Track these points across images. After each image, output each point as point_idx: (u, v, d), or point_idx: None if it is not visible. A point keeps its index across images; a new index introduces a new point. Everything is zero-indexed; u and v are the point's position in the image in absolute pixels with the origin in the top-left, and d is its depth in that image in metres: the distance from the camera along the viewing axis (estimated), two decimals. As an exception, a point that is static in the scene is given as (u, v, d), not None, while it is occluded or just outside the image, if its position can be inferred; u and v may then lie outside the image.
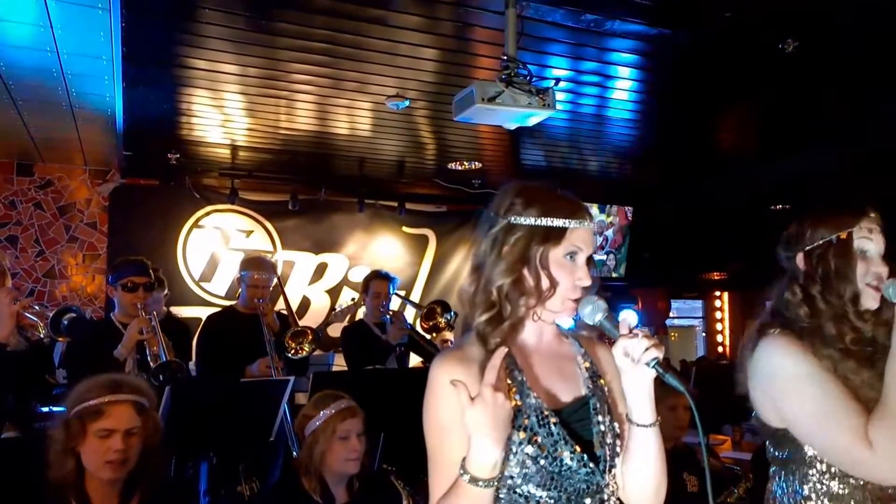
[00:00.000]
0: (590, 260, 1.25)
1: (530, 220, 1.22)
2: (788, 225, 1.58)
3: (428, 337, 4.56)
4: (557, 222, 1.21)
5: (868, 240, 1.48)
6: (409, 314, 5.31)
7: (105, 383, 1.83)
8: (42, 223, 5.21)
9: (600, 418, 1.25)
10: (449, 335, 4.87)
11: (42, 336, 2.86)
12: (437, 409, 1.18)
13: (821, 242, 1.50)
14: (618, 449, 1.25)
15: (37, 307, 2.82)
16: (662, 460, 1.25)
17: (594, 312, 1.20)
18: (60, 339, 3.57)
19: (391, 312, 4.18)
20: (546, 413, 1.20)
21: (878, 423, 1.32)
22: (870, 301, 1.45)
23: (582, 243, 1.23)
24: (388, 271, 4.37)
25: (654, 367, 1.15)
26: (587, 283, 1.22)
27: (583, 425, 1.24)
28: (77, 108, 3.89)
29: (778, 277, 1.58)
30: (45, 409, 3.45)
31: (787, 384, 1.41)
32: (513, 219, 1.23)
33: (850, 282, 1.45)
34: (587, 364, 1.31)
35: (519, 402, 1.19)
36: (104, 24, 2.83)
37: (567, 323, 1.28)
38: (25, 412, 3.01)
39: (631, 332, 1.17)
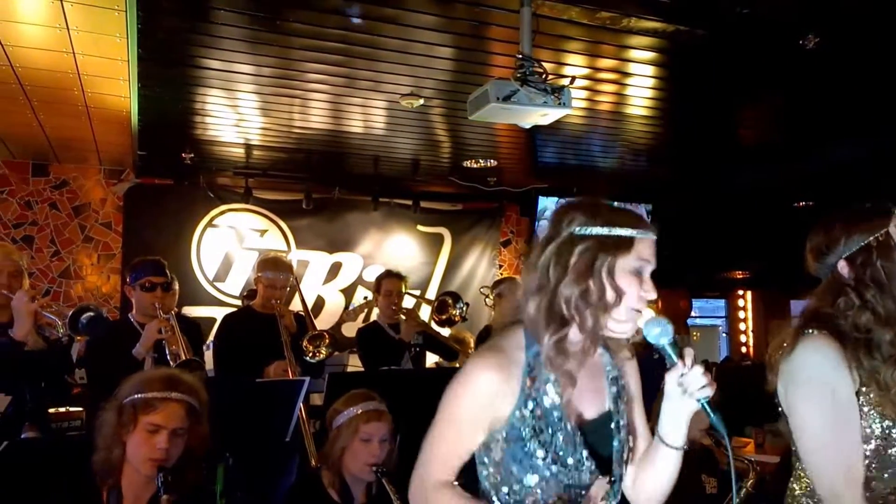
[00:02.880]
0: (653, 273, 1.24)
1: (597, 231, 1.20)
2: (813, 234, 1.56)
3: (444, 332, 4.56)
4: (626, 232, 1.20)
5: None
6: (424, 314, 5.29)
7: (163, 379, 1.84)
8: (57, 223, 5.25)
9: (622, 435, 1.25)
10: (470, 338, 4.85)
11: (61, 335, 2.88)
12: (460, 400, 1.20)
13: (862, 245, 1.48)
14: (630, 461, 1.26)
15: (55, 307, 2.84)
16: (675, 478, 1.27)
17: (662, 335, 1.18)
18: (79, 338, 3.59)
19: (405, 311, 4.16)
20: (571, 430, 1.20)
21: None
22: None
23: (649, 255, 1.22)
24: (400, 271, 4.34)
25: (704, 404, 1.15)
26: (653, 295, 1.21)
27: (603, 441, 1.24)
28: (92, 108, 3.91)
29: (808, 282, 1.55)
30: (63, 410, 3.48)
31: (800, 389, 1.41)
32: (576, 230, 1.21)
33: None
34: (615, 375, 1.31)
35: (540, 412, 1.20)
36: (120, 25, 2.84)
37: (627, 334, 1.25)
38: (44, 412, 3.03)
39: (692, 365, 1.16)
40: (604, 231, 1.19)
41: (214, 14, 2.84)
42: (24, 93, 3.65)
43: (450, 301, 4.57)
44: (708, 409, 1.15)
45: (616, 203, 1.27)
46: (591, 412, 1.25)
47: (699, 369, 1.15)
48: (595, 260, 1.18)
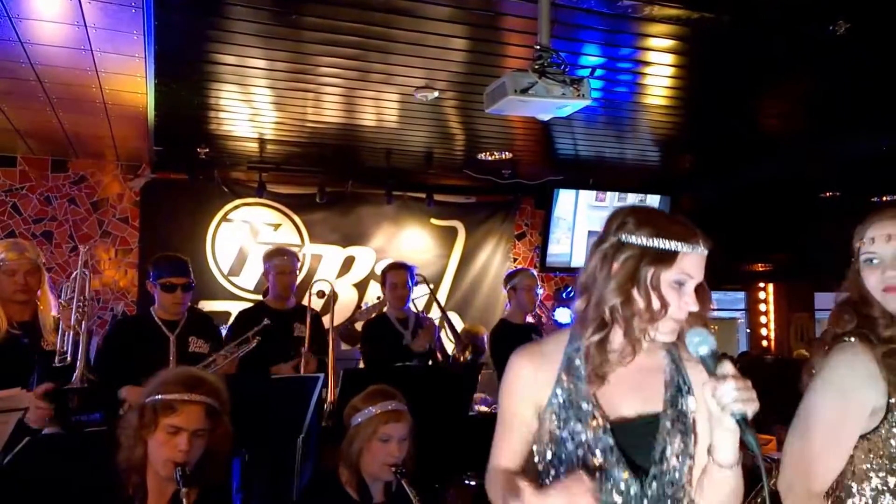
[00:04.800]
0: (701, 288, 1.22)
1: (642, 240, 1.20)
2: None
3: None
4: (669, 245, 1.19)
5: None
6: (434, 314, 5.24)
7: (184, 380, 1.85)
8: (76, 219, 5.29)
9: (669, 438, 1.22)
10: (483, 331, 4.81)
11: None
12: (508, 396, 1.31)
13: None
14: (686, 469, 1.23)
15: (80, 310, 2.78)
16: (738, 496, 1.23)
17: (701, 344, 1.16)
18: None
19: (428, 320, 4.10)
20: (601, 424, 1.21)
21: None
22: None
23: (693, 270, 1.20)
24: (413, 264, 4.30)
25: (737, 420, 1.11)
26: (695, 308, 1.20)
27: (642, 440, 1.22)
28: (110, 104, 3.93)
29: (833, 273, 1.51)
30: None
31: (815, 381, 1.41)
32: (623, 237, 1.22)
33: None
34: (675, 378, 1.29)
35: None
36: (137, 22, 2.85)
37: (668, 339, 1.28)
38: (65, 407, 3.05)
39: (727, 377, 1.13)
40: (648, 242, 1.19)
41: (229, 10, 2.83)
42: (44, 90, 3.67)
43: (467, 348, 4.35)
44: (742, 426, 1.11)
45: (675, 215, 1.31)
46: (632, 411, 1.25)
47: (732, 383, 1.11)
48: (637, 270, 1.19)
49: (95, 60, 3.27)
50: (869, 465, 1.36)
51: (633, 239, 1.20)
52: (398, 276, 4.05)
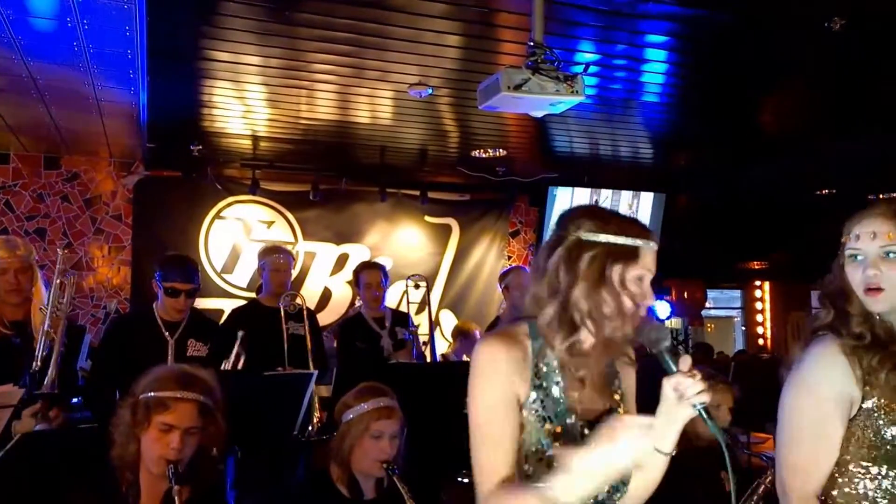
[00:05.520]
0: (669, 262, 1.31)
1: (607, 238, 1.21)
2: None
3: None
4: (634, 241, 1.22)
5: None
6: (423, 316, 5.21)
7: (177, 377, 1.84)
8: (69, 216, 5.26)
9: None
10: (475, 328, 4.81)
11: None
12: (482, 389, 1.21)
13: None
14: None
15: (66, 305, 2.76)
16: (661, 477, 1.29)
17: (660, 342, 1.19)
18: None
19: (419, 337, 4.07)
20: (575, 421, 1.23)
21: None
22: None
23: (652, 265, 1.25)
24: (407, 262, 4.25)
25: (700, 411, 1.15)
26: (652, 302, 1.25)
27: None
28: (102, 101, 3.91)
29: (830, 272, 1.51)
30: (74, 400, 3.49)
31: (792, 377, 1.43)
32: (584, 235, 1.22)
33: None
34: (614, 375, 1.34)
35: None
36: (129, 19, 2.84)
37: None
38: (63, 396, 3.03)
39: (689, 371, 1.16)
40: (613, 239, 1.22)
41: (222, 6, 2.82)
42: (37, 87, 3.66)
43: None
44: (704, 416, 1.15)
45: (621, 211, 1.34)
46: (599, 406, 1.28)
47: (697, 375, 1.16)
48: (605, 268, 1.20)
49: (88, 57, 3.25)
50: (849, 456, 1.38)
51: (594, 237, 1.22)
52: (372, 275, 3.95)
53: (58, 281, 2.67)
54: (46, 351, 2.58)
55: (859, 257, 1.40)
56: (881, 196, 5.80)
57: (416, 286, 4.93)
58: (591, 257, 1.20)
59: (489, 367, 1.21)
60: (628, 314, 1.21)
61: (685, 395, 1.14)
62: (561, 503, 1.07)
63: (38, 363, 2.54)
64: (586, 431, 1.21)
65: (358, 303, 5.59)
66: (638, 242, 1.22)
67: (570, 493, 1.08)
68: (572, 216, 1.27)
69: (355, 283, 4.12)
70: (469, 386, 1.23)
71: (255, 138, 4.82)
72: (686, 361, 1.17)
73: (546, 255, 1.26)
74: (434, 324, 4.55)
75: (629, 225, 1.25)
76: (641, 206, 6.25)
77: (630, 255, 1.21)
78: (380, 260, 5.93)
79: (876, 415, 1.35)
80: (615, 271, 1.20)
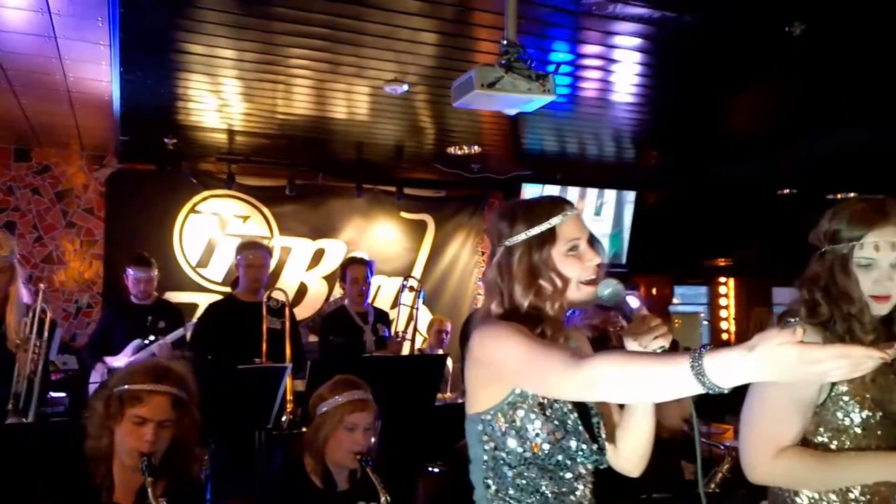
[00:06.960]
0: (592, 239, 1.31)
1: (522, 236, 1.28)
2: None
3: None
4: (545, 225, 1.27)
5: None
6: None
7: (150, 371, 1.84)
8: (40, 209, 5.18)
9: (594, 409, 1.32)
10: (448, 324, 4.85)
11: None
12: (515, 333, 1.19)
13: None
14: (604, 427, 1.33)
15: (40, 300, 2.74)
16: (653, 427, 1.34)
17: (614, 294, 1.25)
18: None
19: (406, 336, 4.11)
20: (564, 405, 1.25)
21: (790, 460, 1.38)
22: None
23: (576, 232, 1.29)
24: (384, 257, 4.28)
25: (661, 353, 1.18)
26: (597, 260, 1.29)
27: (586, 413, 1.31)
28: (74, 92, 3.86)
29: (790, 269, 1.57)
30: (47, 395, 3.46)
31: None
32: (507, 242, 1.30)
33: None
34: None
35: None
36: (102, 9, 2.81)
37: (588, 300, 1.30)
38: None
39: (643, 318, 1.22)
40: (527, 233, 1.28)
41: (197, -2, 2.81)
42: (6, 77, 3.60)
43: None
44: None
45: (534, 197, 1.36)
46: None
47: (651, 319, 1.21)
48: (531, 261, 1.27)
49: (59, 47, 3.21)
50: (823, 439, 1.42)
51: (515, 239, 1.28)
52: (358, 270, 4.02)
53: (41, 308, 2.66)
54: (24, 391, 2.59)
55: (873, 267, 1.40)
56: (839, 196, 5.99)
57: (412, 289, 4.99)
58: (518, 259, 1.27)
59: (513, 326, 1.21)
60: (565, 289, 1.26)
61: (643, 344, 1.18)
62: None
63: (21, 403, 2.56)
64: (570, 419, 1.24)
65: (334, 297, 5.61)
66: (553, 222, 1.27)
67: None
68: (492, 230, 1.34)
69: (341, 277, 4.16)
70: (493, 338, 1.22)
71: (231, 132, 4.79)
72: (641, 309, 1.23)
73: (488, 272, 1.34)
74: (410, 318, 4.59)
75: (537, 208, 1.30)
76: (605, 202, 6.33)
77: (547, 237, 1.27)
78: (355, 255, 5.97)
79: (845, 400, 1.39)
80: (542, 258, 1.26)
